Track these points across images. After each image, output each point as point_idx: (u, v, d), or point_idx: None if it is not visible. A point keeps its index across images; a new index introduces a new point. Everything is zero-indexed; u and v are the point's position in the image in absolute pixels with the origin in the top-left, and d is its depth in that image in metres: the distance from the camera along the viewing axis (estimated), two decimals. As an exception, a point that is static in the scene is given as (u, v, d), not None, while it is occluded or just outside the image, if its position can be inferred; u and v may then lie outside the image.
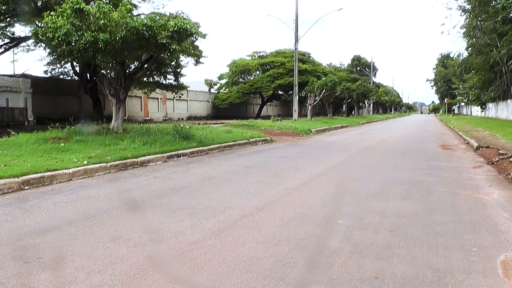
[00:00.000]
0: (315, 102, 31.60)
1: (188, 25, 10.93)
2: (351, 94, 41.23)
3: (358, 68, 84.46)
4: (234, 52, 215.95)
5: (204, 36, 23.00)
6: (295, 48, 29.04)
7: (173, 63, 21.84)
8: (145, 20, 10.53)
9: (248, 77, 44.12)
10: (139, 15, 20.88)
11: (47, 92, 25.47)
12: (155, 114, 34.47)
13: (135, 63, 13.55)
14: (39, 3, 18.18)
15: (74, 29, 9.91)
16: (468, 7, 33.43)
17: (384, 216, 4.73)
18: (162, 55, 11.70)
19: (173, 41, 10.80)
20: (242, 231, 4.12)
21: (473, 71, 42.99)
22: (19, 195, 5.68)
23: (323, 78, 32.74)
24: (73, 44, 10.16)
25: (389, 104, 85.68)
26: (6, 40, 22.49)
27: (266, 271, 3.13)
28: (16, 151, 8.27)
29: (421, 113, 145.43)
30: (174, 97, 33.54)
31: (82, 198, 5.54)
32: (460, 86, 62.10)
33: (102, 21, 10.15)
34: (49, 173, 6.51)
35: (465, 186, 6.57)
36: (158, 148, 9.74)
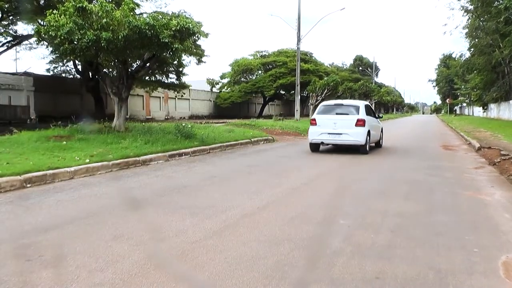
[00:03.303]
0: (317, 102, 31.56)
1: (190, 24, 10.95)
2: (353, 94, 41.23)
3: (360, 68, 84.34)
4: (236, 51, 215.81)
5: (206, 35, 22.91)
6: (297, 47, 28.99)
7: (175, 62, 21.84)
8: (148, 19, 10.56)
9: (250, 77, 44.04)
10: (141, 14, 20.85)
11: (49, 90, 25.47)
12: (157, 113, 34.47)
13: (137, 62, 13.57)
14: (42, 2, 18.20)
15: (76, 28, 9.94)
16: (470, 7, 33.29)
17: (386, 216, 4.72)
18: (165, 54, 11.73)
19: (175, 40, 10.82)
20: (243, 230, 4.12)
21: (475, 72, 42.80)
22: (21, 193, 5.69)
23: (325, 78, 32.70)
24: (75, 42, 10.19)
25: (391, 104, 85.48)
26: (9, 38, 22.55)
27: (267, 270, 3.12)
28: (18, 149, 8.29)
29: (423, 113, 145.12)
30: (176, 96, 33.46)
31: (83, 196, 5.55)
32: (462, 87, 61.82)
33: (105, 19, 10.17)
34: (51, 171, 6.53)
35: (467, 187, 6.56)
36: (160, 147, 9.75)
